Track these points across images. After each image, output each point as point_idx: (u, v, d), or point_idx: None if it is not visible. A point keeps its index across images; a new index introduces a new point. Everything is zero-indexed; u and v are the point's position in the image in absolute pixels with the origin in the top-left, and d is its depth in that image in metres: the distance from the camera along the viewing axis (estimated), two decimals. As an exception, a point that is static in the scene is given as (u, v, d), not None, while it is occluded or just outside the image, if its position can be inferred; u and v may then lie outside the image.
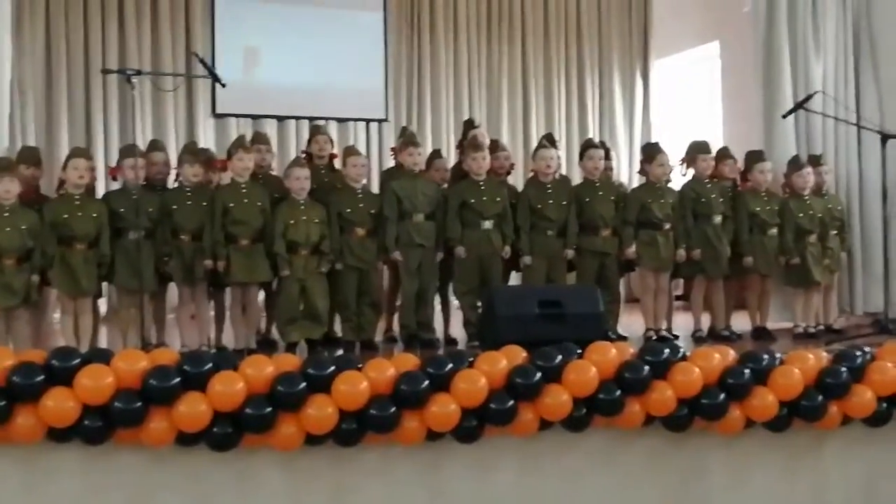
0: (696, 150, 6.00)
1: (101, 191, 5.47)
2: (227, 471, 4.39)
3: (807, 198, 5.96)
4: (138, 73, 5.30)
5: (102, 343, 5.20)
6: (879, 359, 5.12)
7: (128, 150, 5.35)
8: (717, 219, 5.80)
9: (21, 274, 4.84)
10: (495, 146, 6.16)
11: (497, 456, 4.68)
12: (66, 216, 4.97)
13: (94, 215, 5.03)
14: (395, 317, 5.81)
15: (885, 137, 5.87)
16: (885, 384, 5.06)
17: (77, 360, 4.20)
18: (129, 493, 4.33)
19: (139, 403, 4.19)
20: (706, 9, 9.12)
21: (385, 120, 9.20)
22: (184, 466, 4.36)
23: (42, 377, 4.13)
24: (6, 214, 4.85)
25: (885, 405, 5.09)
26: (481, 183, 5.61)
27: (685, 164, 6.03)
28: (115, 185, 5.39)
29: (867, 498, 5.21)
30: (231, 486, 4.42)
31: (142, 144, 6.12)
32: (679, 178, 6.05)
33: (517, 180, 6.25)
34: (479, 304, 5.50)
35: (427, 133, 9.13)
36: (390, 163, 6.60)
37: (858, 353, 5.15)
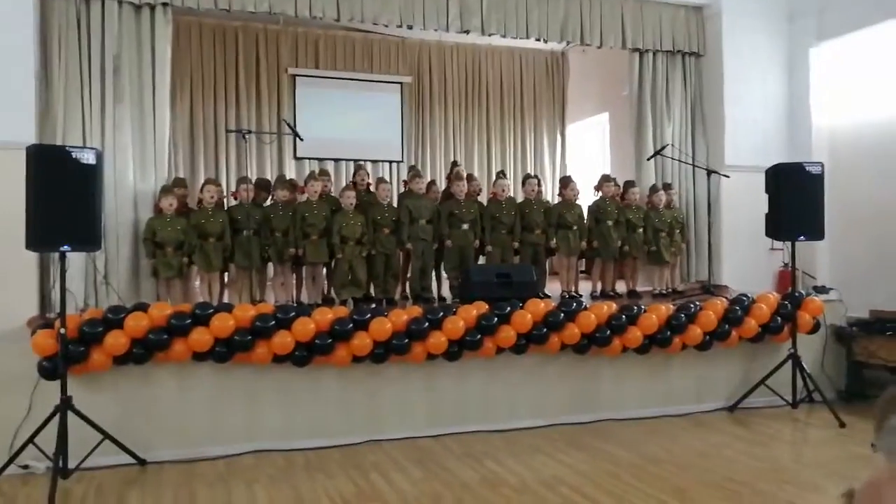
0: (604, 180, 5.97)
1: (226, 205, 5.41)
2: (303, 379, 4.41)
3: (661, 210, 5.96)
4: (249, 132, 5.28)
5: (226, 299, 5.19)
6: (705, 309, 5.19)
7: (242, 180, 5.31)
8: (610, 223, 5.79)
9: (176, 257, 4.81)
10: (470, 177, 6.10)
11: (470, 370, 4.72)
12: (203, 221, 4.93)
13: (221, 221, 4.98)
14: (408, 284, 5.80)
15: (709, 172, 5.91)
16: (708, 324, 5.13)
17: (210, 310, 4.22)
18: (243, 394, 4.35)
19: (249, 337, 4.21)
20: (600, 91, 9.12)
21: (401, 161, 9.11)
22: (277, 377, 4.38)
23: (189, 320, 4.15)
24: (167, 220, 4.82)
25: (707, 337, 5.16)
26: (461, 201, 5.58)
27: (596, 189, 6.01)
28: (234, 202, 5.36)
29: (696, 394, 5.27)
30: (306, 389, 4.44)
31: (251, 176, 6.08)
32: (590, 196, 6.03)
33: (484, 199, 6.22)
34: (460, 276, 5.51)
35: (427, 169, 9.05)
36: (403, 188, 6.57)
37: (692, 305, 5.21)
